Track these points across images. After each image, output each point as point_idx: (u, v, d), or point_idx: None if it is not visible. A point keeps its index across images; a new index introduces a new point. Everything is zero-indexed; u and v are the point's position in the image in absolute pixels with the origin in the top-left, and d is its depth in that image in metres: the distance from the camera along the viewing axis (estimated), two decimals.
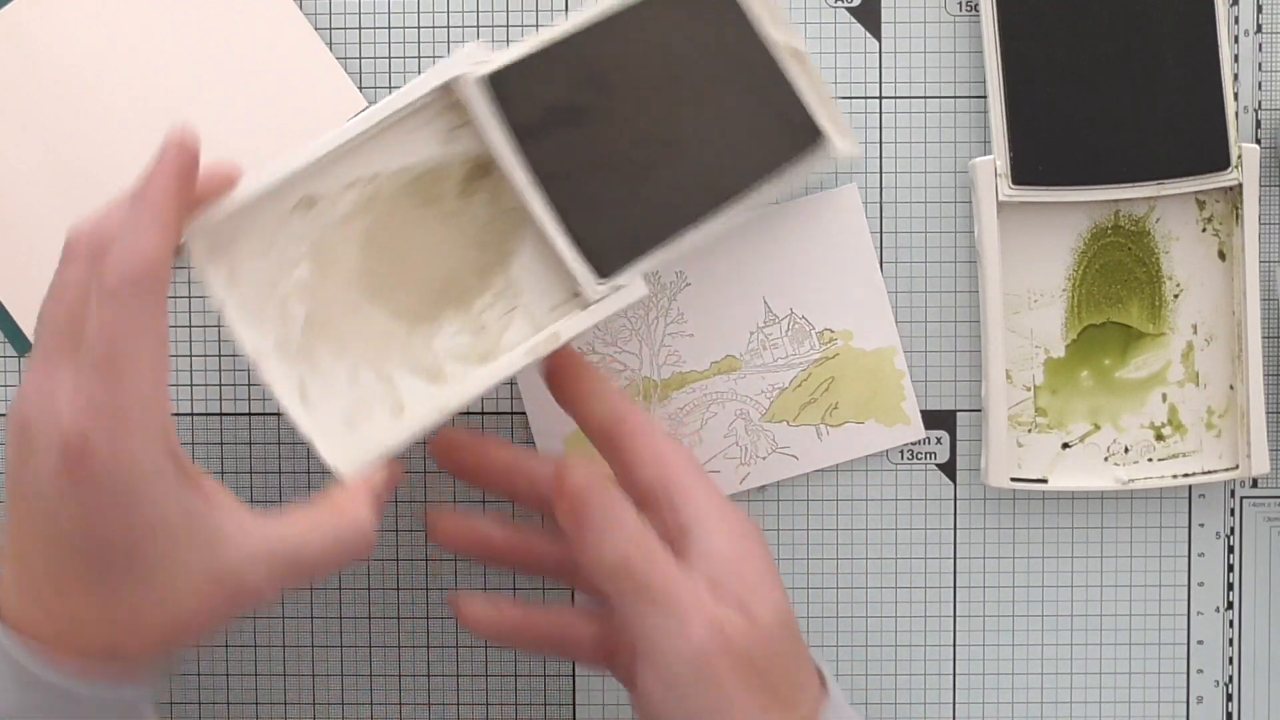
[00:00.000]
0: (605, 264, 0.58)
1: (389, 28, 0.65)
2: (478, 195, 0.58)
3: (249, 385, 0.66)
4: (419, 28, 0.65)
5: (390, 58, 0.65)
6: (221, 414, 0.66)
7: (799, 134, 0.60)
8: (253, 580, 0.50)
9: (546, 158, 0.57)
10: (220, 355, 0.66)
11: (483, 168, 0.58)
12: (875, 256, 0.65)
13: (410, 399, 0.57)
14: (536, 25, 0.65)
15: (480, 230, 0.58)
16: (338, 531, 0.52)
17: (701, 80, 0.59)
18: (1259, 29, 0.65)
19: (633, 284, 0.58)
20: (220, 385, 0.66)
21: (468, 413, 0.65)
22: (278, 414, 0.66)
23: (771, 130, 0.60)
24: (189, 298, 0.65)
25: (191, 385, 0.66)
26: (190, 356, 0.66)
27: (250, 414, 0.66)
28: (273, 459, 0.66)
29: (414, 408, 0.57)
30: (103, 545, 0.47)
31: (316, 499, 0.53)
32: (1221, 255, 0.64)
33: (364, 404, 0.56)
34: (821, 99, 0.61)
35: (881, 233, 0.65)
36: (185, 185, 0.50)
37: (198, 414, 0.66)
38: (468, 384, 0.57)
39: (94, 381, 0.46)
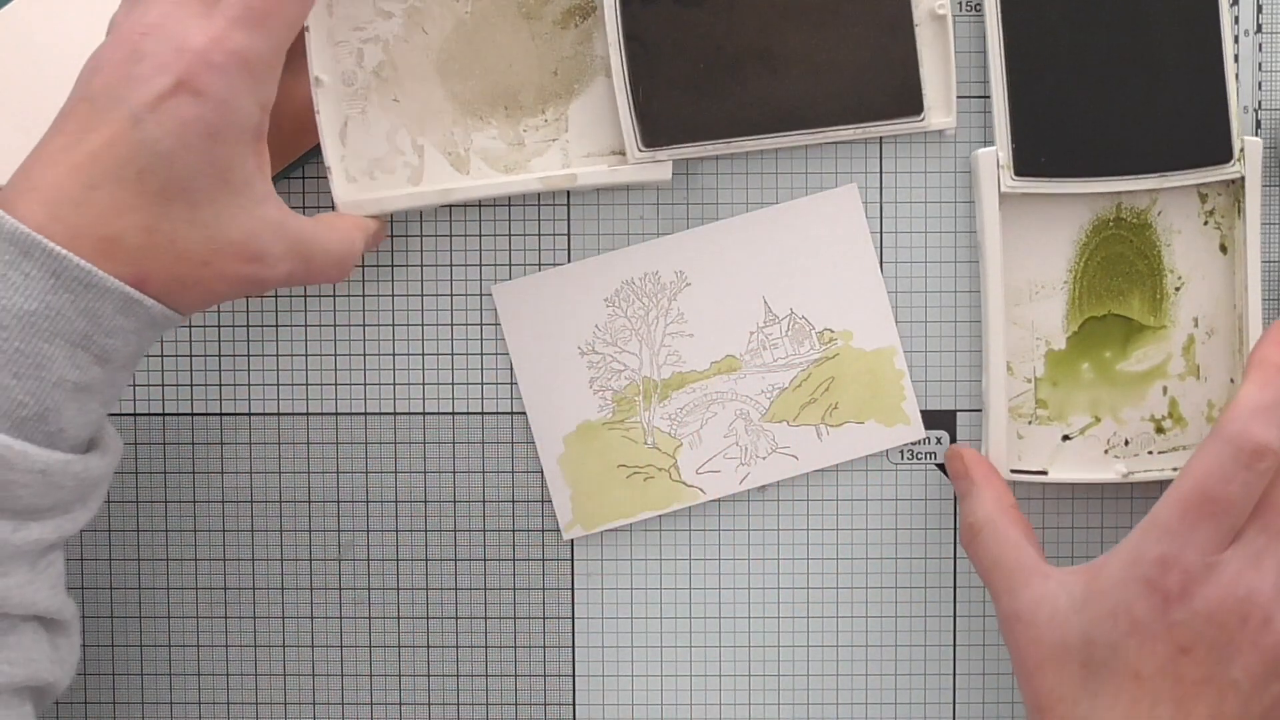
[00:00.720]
0: (652, 135, 0.62)
1: None
2: (572, 29, 0.62)
3: (249, 385, 0.66)
4: None
5: None
6: (221, 414, 0.66)
7: (900, 96, 0.63)
8: (270, 250, 0.53)
9: (643, 22, 0.61)
10: (220, 355, 0.66)
11: (587, 9, 0.62)
12: (875, 256, 0.65)
13: (430, 174, 0.62)
14: None
15: (560, 60, 0.62)
16: (338, 239, 0.58)
17: (830, 8, 0.62)
18: (1259, 29, 0.65)
19: (661, 166, 0.62)
20: (220, 385, 0.66)
21: (468, 412, 0.66)
22: (278, 414, 0.66)
23: (875, 82, 0.62)
24: None
25: (192, 385, 0.66)
26: (190, 356, 0.66)
27: (250, 414, 0.66)
28: (272, 459, 0.66)
29: (430, 183, 0.62)
30: (176, 172, 0.50)
31: (318, 217, 0.58)
32: (1223, 248, 0.64)
33: (390, 162, 0.62)
34: (940, 68, 0.63)
35: (881, 233, 0.65)
36: None
37: (198, 414, 0.66)
38: (483, 183, 0.62)
39: (232, 27, 0.50)
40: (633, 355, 0.65)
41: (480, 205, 0.65)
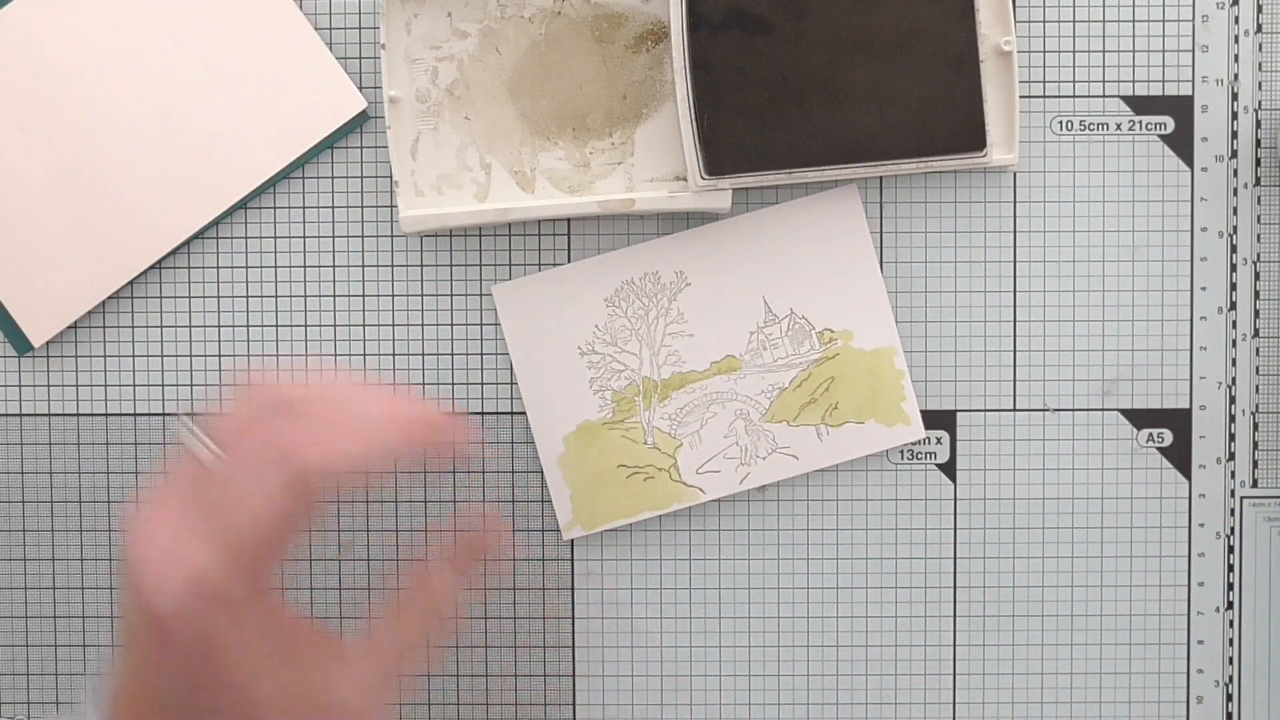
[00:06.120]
0: (715, 164, 0.62)
1: None
2: (643, 55, 0.63)
3: (248, 385, 0.66)
4: None
5: None
6: (221, 414, 0.66)
7: (963, 131, 0.62)
8: (357, 705, 0.50)
9: (710, 50, 0.61)
10: (220, 355, 0.66)
11: (660, 34, 0.63)
12: (875, 256, 0.65)
13: (496, 192, 0.63)
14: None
15: (630, 85, 0.63)
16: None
17: (897, 42, 0.62)
18: (1259, 29, 0.65)
19: (721, 194, 0.62)
20: (220, 385, 0.66)
21: (468, 412, 0.66)
22: None
23: (938, 117, 0.62)
24: (189, 298, 0.65)
25: (192, 385, 0.66)
26: (190, 356, 0.66)
27: None
28: None
29: (494, 200, 0.63)
30: (188, 699, 0.47)
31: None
32: None
33: (458, 178, 0.63)
34: (1005, 104, 0.63)
35: (881, 233, 0.65)
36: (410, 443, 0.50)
37: (197, 414, 0.66)
38: (542, 203, 0.63)
39: (234, 575, 0.47)
40: (633, 355, 0.65)
41: None
